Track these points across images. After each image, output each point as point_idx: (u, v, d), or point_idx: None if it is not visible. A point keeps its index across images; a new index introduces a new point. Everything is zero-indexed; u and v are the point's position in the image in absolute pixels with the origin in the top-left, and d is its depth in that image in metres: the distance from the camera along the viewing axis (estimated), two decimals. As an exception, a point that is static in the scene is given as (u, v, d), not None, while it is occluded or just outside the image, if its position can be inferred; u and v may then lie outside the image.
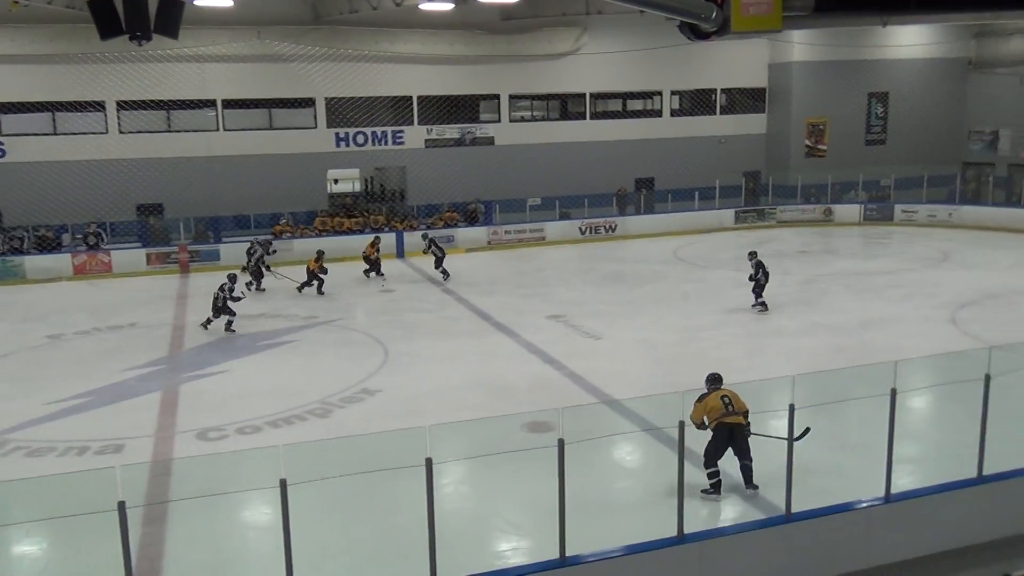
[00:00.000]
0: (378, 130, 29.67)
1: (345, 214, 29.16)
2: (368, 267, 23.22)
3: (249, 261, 22.27)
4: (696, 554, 7.69)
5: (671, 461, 7.59)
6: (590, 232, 29.74)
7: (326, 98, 28.78)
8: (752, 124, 34.19)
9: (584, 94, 31.96)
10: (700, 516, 8.57)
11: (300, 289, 21.38)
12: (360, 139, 29.49)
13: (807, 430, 8.22)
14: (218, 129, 28.08)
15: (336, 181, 32.22)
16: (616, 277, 23.21)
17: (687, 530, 7.67)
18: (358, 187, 33.43)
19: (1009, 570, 5.28)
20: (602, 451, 10.46)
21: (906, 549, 8.38)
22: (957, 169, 32.81)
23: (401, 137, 29.97)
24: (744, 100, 34.10)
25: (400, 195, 31.07)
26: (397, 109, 29.89)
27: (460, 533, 8.62)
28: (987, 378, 8.49)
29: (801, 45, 31.98)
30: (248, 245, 23.02)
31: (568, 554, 7.27)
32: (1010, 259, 23.36)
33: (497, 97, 31.04)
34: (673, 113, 33.30)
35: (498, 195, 30.06)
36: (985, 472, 8.72)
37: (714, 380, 9.37)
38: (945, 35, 32.72)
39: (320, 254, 21.75)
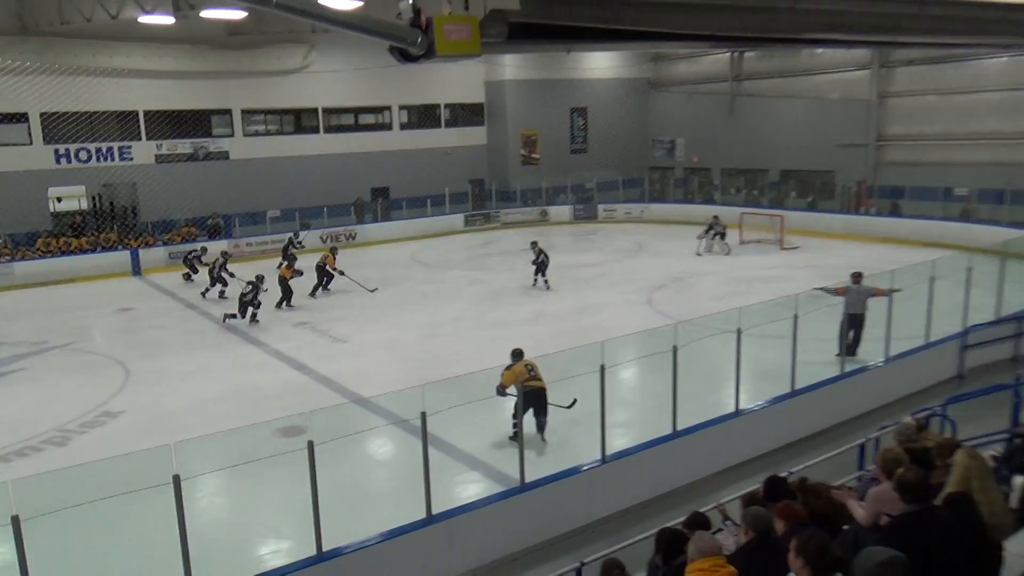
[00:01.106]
0: (103, 146, 27.11)
1: (72, 233, 26.35)
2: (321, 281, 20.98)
3: (210, 268, 20.99)
4: (445, 531, 7.91)
5: (418, 449, 7.74)
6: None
7: (41, 113, 25.79)
8: (474, 136, 35.43)
9: (317, 109, 31.36)
10: (448, 496, 8.80)
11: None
12: (83, 155, 26.77)
13: (575, 401, 10.19)
14: (-87, 147, 24.21)
15: (59, 199, 28.97)
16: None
17: (435, 511, 7.87)
18: (85, 205, 30.30)
19: (698, 508, 5.97)
20: (355, 448, 10.39)
21: (621, 501, 9.18)
22: (645, 173, 36.26)
23: (129, 153, 27.60)
24: (466, 114, 35.23)
25: (132, 212, 28.59)
26: (123, 124, 27.49)
27: (218, 544, 8.21)
28: (675, 349, 9.50)
29: (512, 66, 33.68)
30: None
31: (326, 548, 7.19)
32: (689, 247, 26.12)
33: (229, 112, 29.55)
34: (403, 126, 33.64)
35: (237, 209, 28.66)
36: (678, 428, 9.77)
37: (517, 354, 10.76)
38: (629, 59, 36.02)
39: (292, 259, 20.45)
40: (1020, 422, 9.23)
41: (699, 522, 5.43)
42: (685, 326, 10.50)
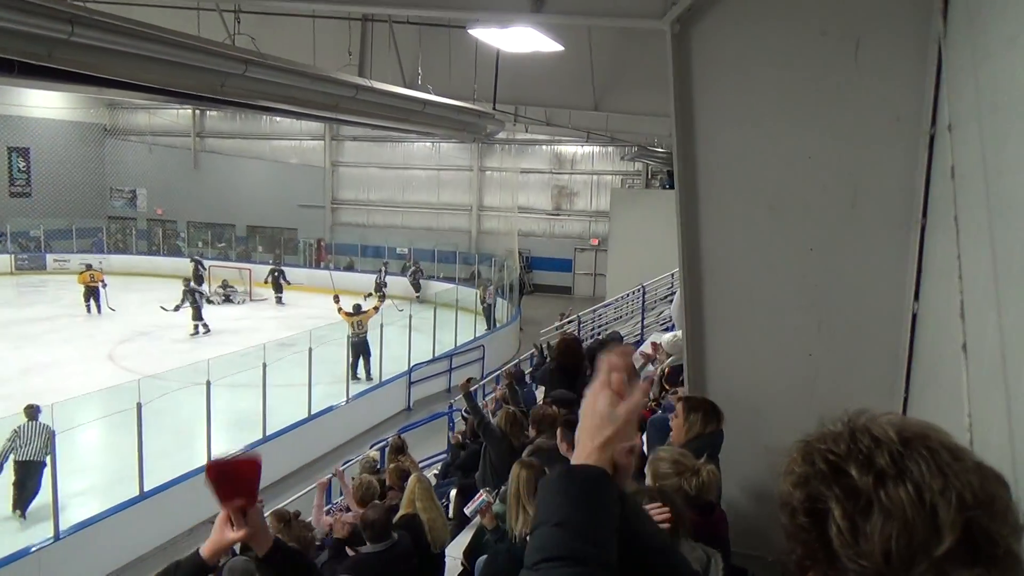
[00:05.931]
0: None
1: None
2: None
3: None
4: None
5: None
6: None
7: None
8: None
9: None
10: None
11: None
12: None
13: None
14: None
15: None
16: None
17: None
18: None
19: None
20: None
21: (83, 577, 8.01)
22: (103, 222, 32.82)
23: None
24: None
25: None
26: None
27: None
28: (139, 406, 8.70)
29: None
30: None
31: None
32: (156, 300, 24.36)
33: None
34: None
35: None
36: (146, 488, 8.93)
37: None
38: (80, 102, 32.14)
39: None
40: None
41: None
42: (154, 381, 9.74)
